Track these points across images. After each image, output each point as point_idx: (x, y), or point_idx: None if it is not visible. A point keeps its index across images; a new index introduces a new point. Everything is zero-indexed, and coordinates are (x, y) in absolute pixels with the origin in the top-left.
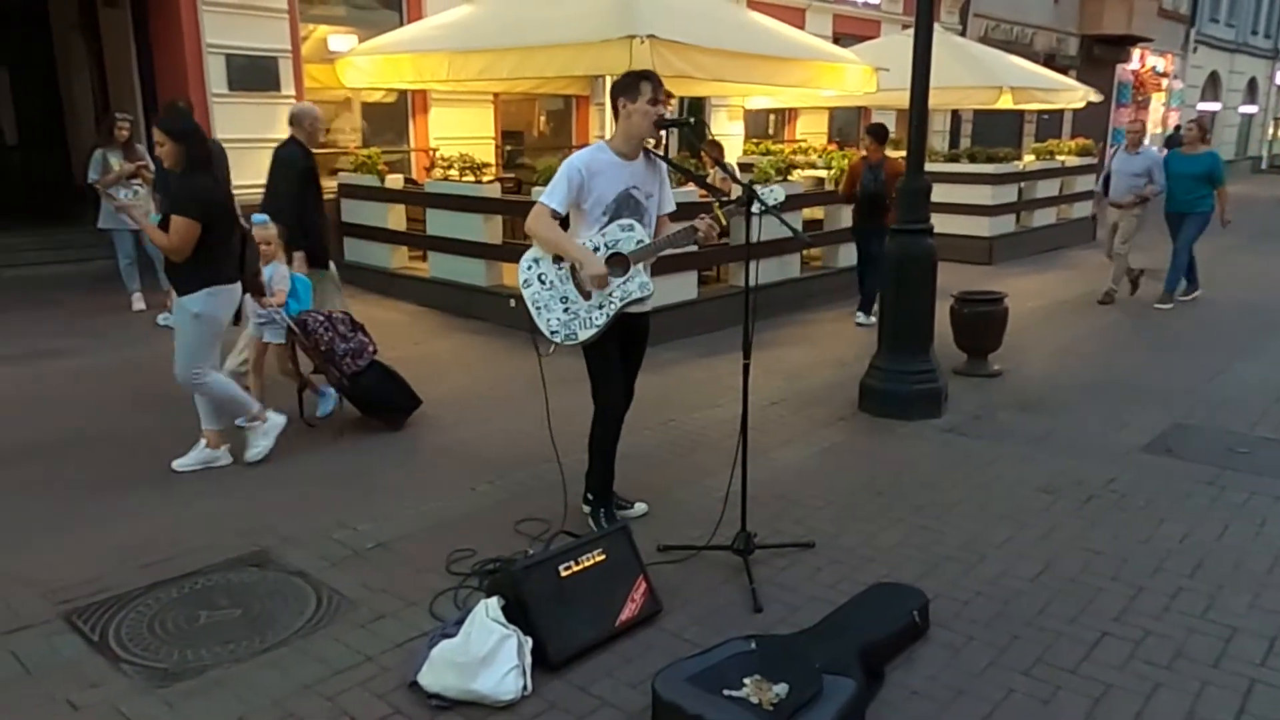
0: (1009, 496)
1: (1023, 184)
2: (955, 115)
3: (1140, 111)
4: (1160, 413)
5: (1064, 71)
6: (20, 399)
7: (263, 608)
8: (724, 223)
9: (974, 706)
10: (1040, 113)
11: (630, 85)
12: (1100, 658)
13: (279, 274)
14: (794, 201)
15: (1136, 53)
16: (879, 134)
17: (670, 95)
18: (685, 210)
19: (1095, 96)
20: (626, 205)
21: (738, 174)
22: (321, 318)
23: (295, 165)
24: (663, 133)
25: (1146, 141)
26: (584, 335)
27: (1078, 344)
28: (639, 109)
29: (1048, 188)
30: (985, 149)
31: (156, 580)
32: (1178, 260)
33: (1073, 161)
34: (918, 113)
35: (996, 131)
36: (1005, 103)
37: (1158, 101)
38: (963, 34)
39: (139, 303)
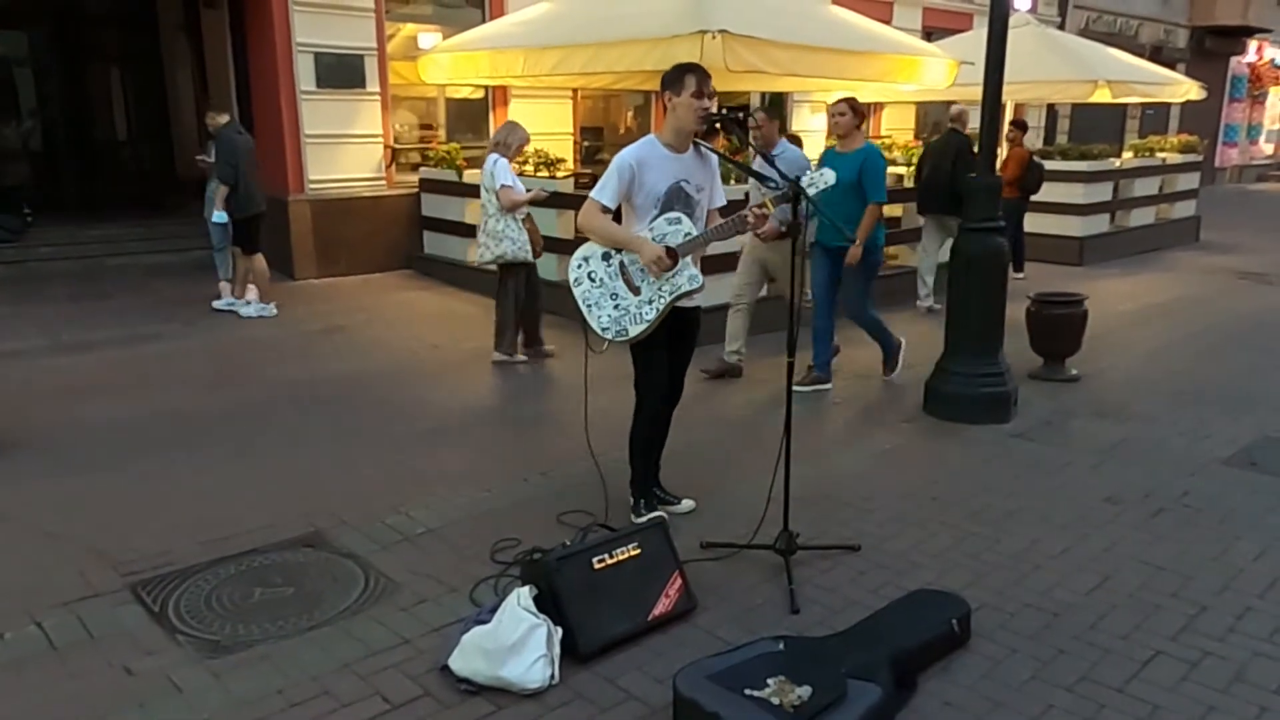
0: (1072, 506)
1: (1119, 182)
2: (1051, 110)
3: (1256, 107)
4: (1248, 425)
5: (1172, 65)
6: (117, 379)
7: (314, 587)
8: (772, 210)
9: None
10: (1145, 108)
11: (675, 79)
12: (1151, 677)
13: None
14: None
15: (1253, 44)
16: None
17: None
18: (745, 206)
19: (1198, 94)
20: (677, 198)
21: (778, 169)
22: None
23: (966, 149)
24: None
25: (1263, 139)
26: (635, 330)
27: (1167, 350)
28: (683, 102)
29: (1146, 186)
30: (1078, 145)
31: (218, 557)
32: (847, 322)
33: (1175, 159)
34: (989, 109)
35: (1097, 127)
36: (1101, 97)
37: (1276, 96)
38: (1061, 26)
39: (227, 291)
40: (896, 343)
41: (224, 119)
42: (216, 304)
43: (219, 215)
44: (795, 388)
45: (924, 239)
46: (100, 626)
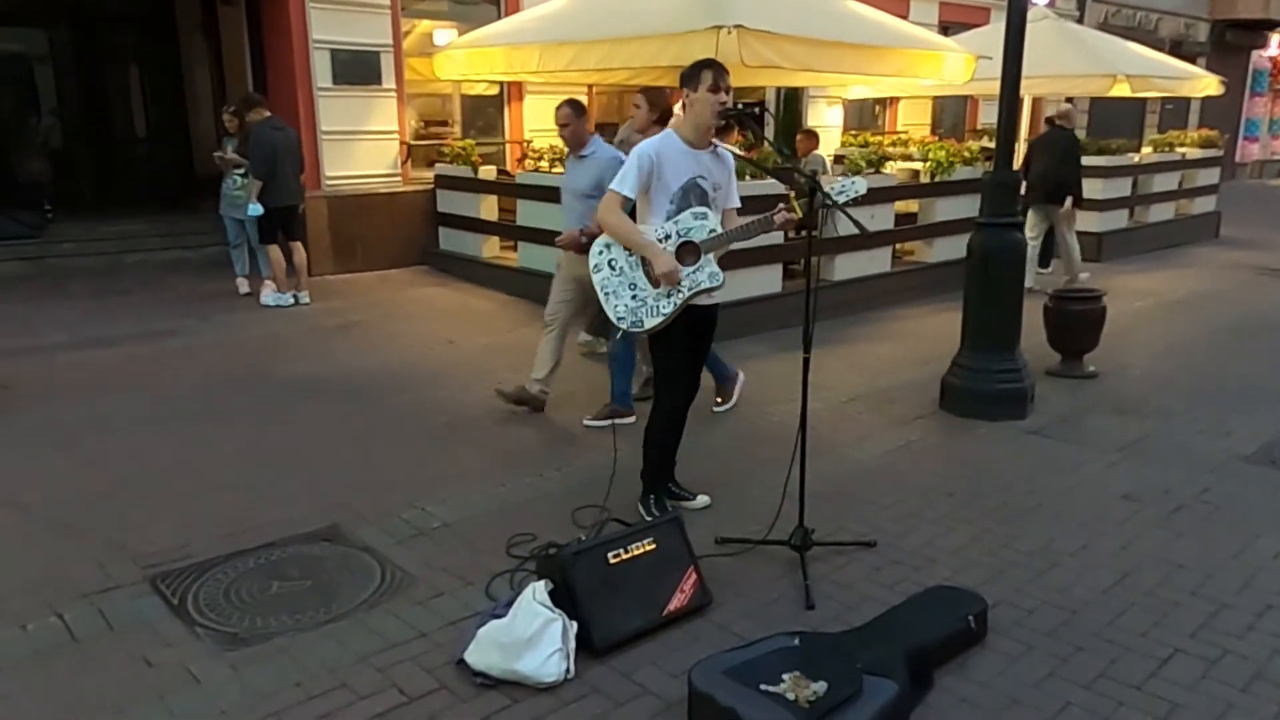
0: (1089, 503)
1: (1138, 177)
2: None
3: (1278, 101)
4: (1270, 421)
5: (1192, 59)
6: (135, 374)
7: (330, 580)
8: (799, 213)
9: (1026, 718)
10: (1164, 102)
11: (692, 75)
12: (1170, 675)
13: None
14: (886, 194)
15: (1275, 38)
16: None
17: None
18: (762, 202)
19: (1217, 88)
20: (693, 193)
21: (803, 169)
22: None
23: (1074, 145)
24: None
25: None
26: (650, 323)
27: (1187, 346)
28: (700, 97)
29: (1165, 181)
30: (1096, 140)
31: (236, 550)
32: (615, 363)
33: (1194, 154)
34: (1007, 104)
35: (1115, 122)
36: (1120, 91)
37: None
38: (1080, 20)
39: (244, 286)
40: (626, 395)
41: (263, 115)
42: (265, 299)
43: (254, 208)
44: (585, 422)
45: (1026, 228)
46: (120, 618)
